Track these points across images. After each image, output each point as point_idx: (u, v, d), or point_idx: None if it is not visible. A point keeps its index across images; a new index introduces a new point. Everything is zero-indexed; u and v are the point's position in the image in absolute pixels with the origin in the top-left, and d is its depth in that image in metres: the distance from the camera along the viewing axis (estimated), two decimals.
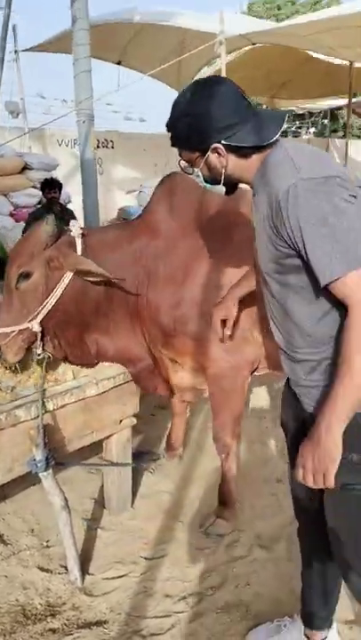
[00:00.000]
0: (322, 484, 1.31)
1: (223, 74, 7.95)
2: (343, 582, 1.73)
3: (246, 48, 9.58)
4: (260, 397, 3.82)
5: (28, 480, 2.64)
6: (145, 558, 2.31)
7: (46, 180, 5.94)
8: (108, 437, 2.41)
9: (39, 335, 2.16)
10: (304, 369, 1.43)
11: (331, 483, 1.30)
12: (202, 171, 1.44)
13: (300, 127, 24.87)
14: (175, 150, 1.47)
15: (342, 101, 12.24)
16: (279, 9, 22.98)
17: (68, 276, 2.15)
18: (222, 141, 1.34)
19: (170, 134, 1.42)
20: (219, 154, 1.37)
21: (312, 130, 24.66)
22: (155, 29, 8.91)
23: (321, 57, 10.17)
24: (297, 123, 24.71)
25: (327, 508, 1.51)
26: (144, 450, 3.09)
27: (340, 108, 16.75)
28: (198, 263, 2.28)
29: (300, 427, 1.52)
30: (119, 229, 2.48)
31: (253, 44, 9.39)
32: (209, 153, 1.37)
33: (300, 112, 23.20)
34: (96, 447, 2.50)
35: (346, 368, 1.23)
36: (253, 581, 2.19)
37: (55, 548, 2.36)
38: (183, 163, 1.48)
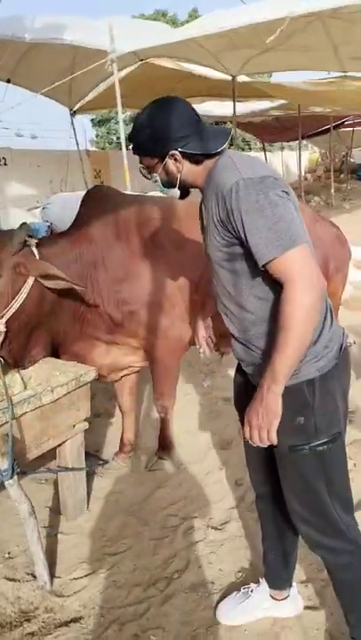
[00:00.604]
0: (266, 440, 1.51)
1: (117, 91, 8.18)
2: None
3: (136, 65, 9.84)
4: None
5: None
6: (108, 555, 2.41)
7: None
8: (61, 444, 2.48)
9: (1, 337, 2.31)
10: (257, 347, 1.63)
11: (273, 438, 1.50)
12: (160, 175, 1.64)
13: None
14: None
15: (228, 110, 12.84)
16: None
17: (30, 281, 2.36)
18: (179, 149, 1.55)
19: (132, 144, 1.63)
20: (175, 160, 1.58)
21: None
22: (45, 47, 8.91)
23: (203, 72, 10.70)
24: None
25: (280, 471, 1.72)
26: (90, 452, 3.16)
27: (225, 121, 17.56)
28: (134, 261, 2.67)
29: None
30: (61, 239, 2.68)
31: (142, 59, 9.68)
32: (167, 159, 1.59)
33: None
34: (39, 459, 2.54)
35: (283, 336, 1.42)
36: (214, 560, 2.36)
37: (18, 559, 2.39)
38: (143, 170, 1.68)
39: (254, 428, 1.51)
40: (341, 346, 1.62)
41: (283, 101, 13.75)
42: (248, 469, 1.99)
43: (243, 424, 1.79)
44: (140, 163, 1.67)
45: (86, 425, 2.56)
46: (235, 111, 11.90)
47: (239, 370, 1.83)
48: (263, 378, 1.49)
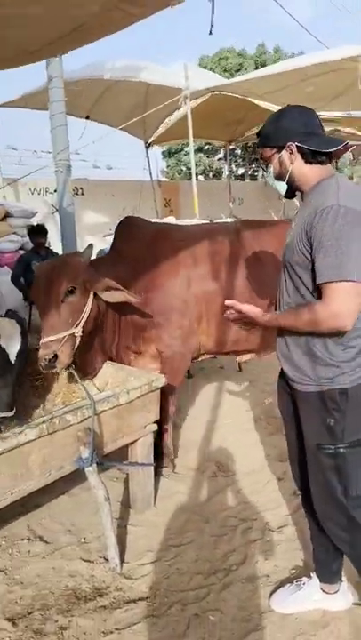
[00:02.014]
0: (231, 315, 2.00)
1: (189, 122, 8.65)
2: None
3: (205, 96, 10.32)
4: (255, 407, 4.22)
5: (57, 489, 2.97)
6: (173, 546, 2.64)
7: (33, 227, 6.31)
8: (133, 442, 2.75)
9: (78, 342, 2.70)
10: (294, 349, 1.89)
11: (232, 316, 2.01)
12: (274, 166, 1.89)
13: (256, 171, 26.05)
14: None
15: None
16: (226, 59, 24.50)
17: (92, 295, 2.79)
18: (296, 142, 1.79)
19: (259, 137, 1.92)
20: (291, 152, 1.82)
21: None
22: (121, 86, 9.56)
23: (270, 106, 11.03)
24: (253, 166, 25.89)
25: (308, 466, 1.96)
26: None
27: None
28: (158, 275, 3.15)
29: (294, 407, 2.00)
30: (104, 259, 3.23)
31: (212, 91, 10.14)
32: (283, 150, 1.83)
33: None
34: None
35: (294, 317, 1.78)
36: (270, 557, 2.54)
37: (92, 544, 2.66)
38: (262, 164, 2.06)
39: (235, 313, 1.99)
40: None
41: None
42: (290, 465, 2.22)
43: (286, 425, 2.09)
44: (260, 157, 1.94)
45: (155, 427, 2.83)
46: None
47: (282, 375, 2.06)
48: (272, 315, 1.93)
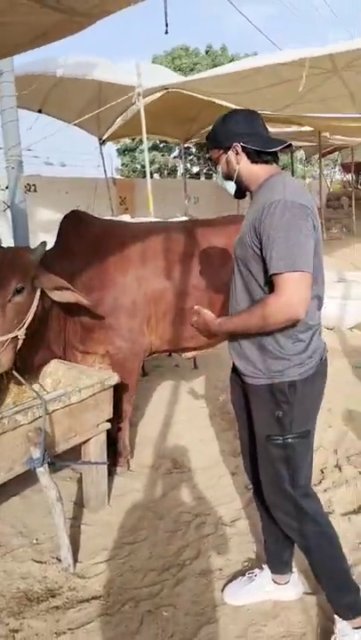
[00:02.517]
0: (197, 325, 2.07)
1: (143, 122, 8.63)
2: None
3: (159, 93, 10.31)
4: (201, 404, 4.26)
5: (9, 491, 2.92)
6: (127, 544, 2.63)
7: None
8: (86, 441, 2.74)
9: (20, 343, 2.59)
10: (247, 345, 1.92)
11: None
12: (222, 167, 1.97)
13: (211, 169, 26.22)
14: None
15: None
16: (180, 58, 24.63)
17: (38, 293, 2.68)
18: (241, 143, 1.87)
19: (207, 139, 2.01)
20: (236, 152, 1.89)
21: None
22: (74, 81, 9.45)
23: (226, 103, 11.12)
24: (208, 164, 26.06)
25: (258, 458, 2.02)
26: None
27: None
28: (105, 273, 3.06)
29: (245, 401, 2.05)
30: (49, 253, 2.91)
31: (166, 89, 10.14)
32: (230, 151, 1.90)
33: None
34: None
35: (247, 315, 1.82)
36: (222, 551, 2.58)
37: (44, 545, 2.63)
38: (211, 164, 2.08)
39: (199, 325, 2.08)
40: (322, 357, 1.93)
41: (303, 128, 14.10)
42: (242, 459, 2.26)
43: (238, 419, 2.14)
44: (209, 158, 2.04)
45: (108, 425, 2.82)
46: None
47: (234, 369, 2.10)
48: (224, 320, 1.96)
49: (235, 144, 1.88)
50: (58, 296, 2.74)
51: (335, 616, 2.00)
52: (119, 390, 3.01)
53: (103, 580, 2.41)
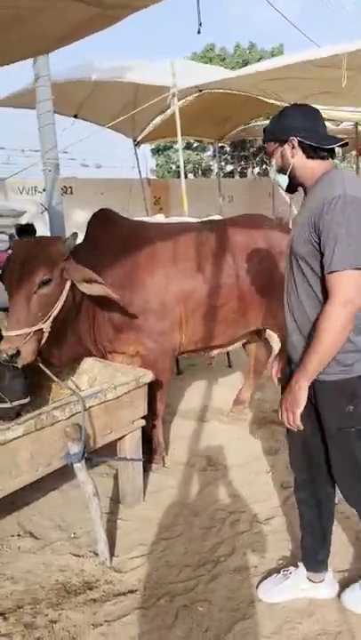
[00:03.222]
0: (292, 421, 1.89)
1: (177, 122, 8.66)
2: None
3: (194, 95, 10.33)
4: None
5: (47, 486, 2.99)
6: (162, 539, 2.66)
7: (21, 226, 6.30)
8: (121, 438, 2.78)
9: (45, 336, 2.61)
10: (301, 338, 1.93)
11: (297, 421, 1.88)
12: (276, 160, 1.97)
13: (245, 168, 26.10)
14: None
15: None
16: (211, 61, 24.63)
17: (68, 286, 2.67)
18: (297, 137, 1.87)
19: (264, 132, 2.00)
20: (292, 146, 1.89)
21: (257, 170, 25.91)
22: (110, 85, 9.56)
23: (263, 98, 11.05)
24: (242, 163, 25.93)
25: (332, 453, 2.00)
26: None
27: None
28: (135, 271, 3.03)
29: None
30: (79, 247, 2.93)
31: (200, 90, 10.17)
32: (286, 145, 1.90)
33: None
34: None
35: (316, 342, 1.77)
36: (258, 549, 2.58)
37: (82, 539, 2.68)
38: (266, 157, 2.14)
39: (284, 411, 1.91)
40: None
41: (342, 126, 13.90)
42: (290, 456, 2.23)
43: None
44: (265, 152, 2.06)
45: (143, 422, 2.85)
46: None
47: (288, 361, 2.10)
48: (296, 372, 1.86)
49: (291, 138, 1.88)
50: (87, 289, 2.71)
51: None
52: (152, 388, 3.00)
53: (139, 574, 2.44)
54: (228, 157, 26.70)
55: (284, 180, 1.99)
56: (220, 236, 3.41)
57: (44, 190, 8.94)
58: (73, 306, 2.79)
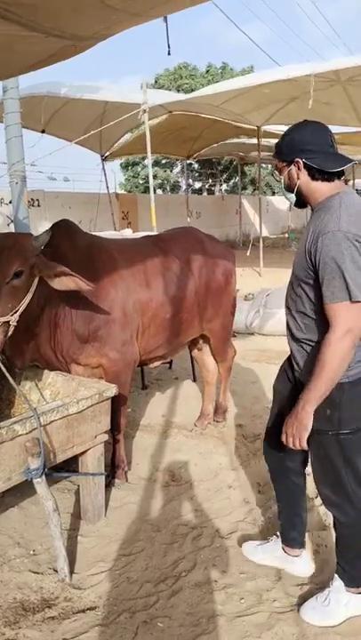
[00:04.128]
0: (298, 445, 1.97)
1: (148, 138, 8.76)
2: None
3: (164, 116, 10.51)
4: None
5: (7, 503, 2.94)
6: (123, 555, 2.65)
7: None
8: (83, 452, 2.76)
9: (11, 330, 2.58)
10: (302, 355, 2.10)
11: (303, 445, 1.96)
12: (284, 178, 2.05)
13: (213, 185, 26.42)
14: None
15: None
16: (182, 78, 25.00)
17: (36, 281, 2.68)
18: (303, 159, 1.94)
19: (275, 147, 2.07)
20: (298, 167, 1.97)
21: (224, 187, 26.26)
22: (78, 102, 9.62)
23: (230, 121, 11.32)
24: (210, 180, 26.26)
25: (311, 454, 2.16)
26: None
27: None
28: (99, 282, 3.01)
29: (290, 391, 2.23)
30: (45, 255, 2.84)
31: (170, 112, 10.35)
32: (292, 165, 1.98)
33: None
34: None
35: (319, 369, 1.86)
36: (218, 564, 2.58)
37: (41, 556, 2.64)
38: (275, 172, 2.13)
39: (289, 435, 1.98)
40: None
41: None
42: (266, 441, 2.44)
43: (275, 404, 2.39)
44: (275, 167, 2.11)
45: (106, 437, 2.84)
46: (259, 155, 12.42)
47: (289, 359, 2.27)
48: (301, 397, 1.95)
49: (297, 159, 1.95)
50: (58, 284, 2.71)
51: (335, 575, 2.23)
52: (115, 402, 2.98)
53: (99, 590, 2.42)
54: (196, 174, 27.02)
55: (292, 198, 2.09)
56: (166, 249, 3.58)
57: (10, 202, 8.88)
58: (36, 307, 2.78)
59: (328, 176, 1.95)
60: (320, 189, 1.96)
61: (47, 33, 2.10)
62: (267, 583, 2.43)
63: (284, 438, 2.01)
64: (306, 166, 1.95)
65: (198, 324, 3.76)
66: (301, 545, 2.46)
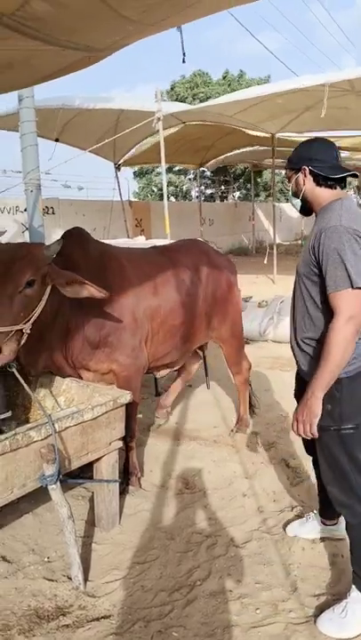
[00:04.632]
0: (309, 432, 2.07)
1: (162, 146, 8.80)
2: None
3: (178, 127, 10.57)
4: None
5: (21, 509, 2.95)
6: (137, 563, 2.63)
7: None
8: (98, 459, 2.76)
9: (24, 338, 2.58)
10: (306, 351, 2.22)
11: (314, 431, 2.07)
12: (292, 184, 2.26)
13: (226, 192, 26.44)
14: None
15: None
16: (198, 86, 25.10)
17: (48, 290, 2.69)
18: (309, 167, 2.15)
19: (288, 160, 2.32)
20: (305, 174, 2.18)
21: (237, 194, 26.27)
22: (92, 112, 9.71)
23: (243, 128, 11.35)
24: (223, 187, 26.27)
25: (317, 445, 2.25)
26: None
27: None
28: (113, 290, 3.00)
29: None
30: (57, 264, 2.82)
31: (184, 122, 10.40)
32: (300, 173, 2.19)
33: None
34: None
35: (326, 357, 1.98)
36: (233, 573, 2.56)
37: (56, 563, 2.64)
38: (287, 180, 2.37)
39: (300, 422, 2.09)
40: None
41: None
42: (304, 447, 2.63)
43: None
44: (286, 176, 2.34)
45: (120, 444, 2.84)
46: (274, 162, 12.42)
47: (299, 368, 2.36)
48: (309, 385, 2.06)
49: (303, 167, 2.17)
50: (71, 292, 2.71)
51: (352, 586, 2.23)
52: (127, 408, 2.98)
53: (113, 599, 2.41)
54: (209, 182, 27.08)
55: (297, 203, 2.29)
56: (173, 258, 3.68)
57: (25, 210, 8.96)
58: (48, 315, 2.78)
59: (331, 183, 2.16)
60: (323, 195, 2.17)
61: (63, 46, 2.12)
62: (282, 593, 2.41)
63: (294, 426, 2.13)
64: (312, 173, 2.16)
65: (205, 331, 3.86)
66: (339, 515, 2.61)
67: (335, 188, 2.17)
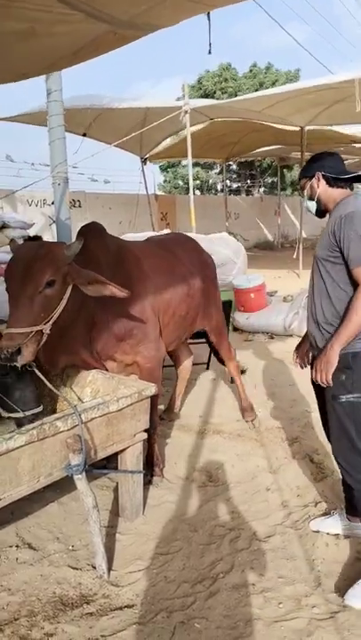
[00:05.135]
0: (324, 378, 2.38)
1: (188, 139, 8.79)
2: None
3: (204, 124, 10.54)
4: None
5: (47, 498, 2.99)
6: (161, 554, 2.65)
7: (30, 238, 6.35)
8: (122, 450, 2.78)
9: (44, 339, 2.57)
10: (326, 330, 2.46)
11: (329, 379, 2.37)
12: (307, 190, 2.56)
13: (251, 186, 26.25)
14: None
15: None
16: (226, 81, 24.87)
17: (69, 289, 2.69)
18: (321, 172, 2.47)
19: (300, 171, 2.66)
20: (318, 179, 2.50)
21: (263, 188, 26.06)
22: (120, 110, 9.75)
23: (271, 123, 11.23)
24: (248, 182, 26.08)
25: (328, 415, 2.54)
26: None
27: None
28: (132, 283, 3.05)
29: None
30: (76, 260, 2.80)
31: (211, 119, 10.37)
32: (313, 178, 2.50)
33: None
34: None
35: (349, 317, 2.28)
36: (256, 567, 2.56)
37: (80, 552, 2.67)
38: (300, 190, 2.73)
39: (318, 371, 2.40)
40: None
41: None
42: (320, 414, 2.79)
43: (315, 388, 2.68)
44: (300, 186, 2.66)
45: (145, 435, 2.86)
46: (303, 156, 12.28)
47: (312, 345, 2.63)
48: (331, 340, 2.36)
49: (317, 172, 2.49)
50: (92, 291, 2.71)
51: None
52: (151, 400, 2.99)
53: (137, 589, 2.43)
54: (235, 175, 26.91)
55: (312, 206, 2.56)
56: (171, 250, 3.82)
57: (52, 203, 9.04)
58: (69, 314, 2.77)
59: (342, 183, 2.47)
60: (335, 194, 2.47)
61: (84, 11, 2.12)
62: (305, 589, 2.40)
63: (313, 374, 2.46)
64: (324, 177, 2.47)
65: (199, 321, 4.05)
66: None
67: (346, 188, 2.48)
